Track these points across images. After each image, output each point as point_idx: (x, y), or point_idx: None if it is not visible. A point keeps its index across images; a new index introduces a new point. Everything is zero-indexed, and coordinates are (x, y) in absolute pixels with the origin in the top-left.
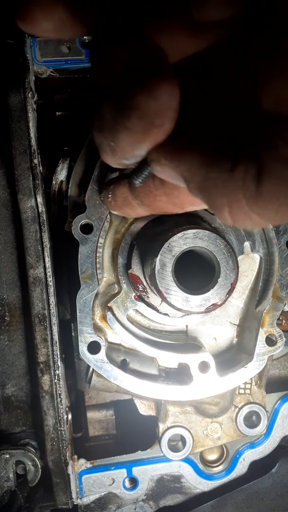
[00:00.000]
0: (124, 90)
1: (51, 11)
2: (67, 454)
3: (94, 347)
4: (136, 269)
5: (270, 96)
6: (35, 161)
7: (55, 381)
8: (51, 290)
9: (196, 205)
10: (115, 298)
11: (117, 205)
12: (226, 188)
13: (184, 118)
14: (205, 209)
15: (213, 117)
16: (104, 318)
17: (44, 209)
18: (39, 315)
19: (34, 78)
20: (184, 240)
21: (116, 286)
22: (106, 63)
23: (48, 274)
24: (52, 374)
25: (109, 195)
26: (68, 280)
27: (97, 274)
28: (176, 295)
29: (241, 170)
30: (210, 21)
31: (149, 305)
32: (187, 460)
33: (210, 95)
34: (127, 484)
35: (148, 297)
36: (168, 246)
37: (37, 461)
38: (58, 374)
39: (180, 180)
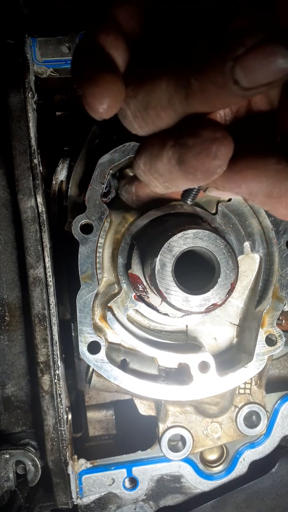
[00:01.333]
0: (183, 152)
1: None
2: (67, 454)
3: (94, 347)
4: (136, 269)
5: None
6: (35, 161)
7: (55, 381)
8: (51, 290)
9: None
10: (115, 298)
11: (142, 201)
12: None
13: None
14: (205, 209)
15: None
16: (104, 318)
17: (44, 209)
18: (39, 315)
19: (34, 78)
20: (184, 240)
21: (116, 286)
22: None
23: (48, 274)
24: (52, 374)
25: (133, 198)
26: (68, 280)
27: (97, 274)
28: (176, 295)
29: None
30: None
31: (149, 305)
32: (187, 460)
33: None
34: (127, 484)
35: (148, 297)
36: (168, 246)
37: (37, 461)
38: (58, 374)
39: (239, 196)
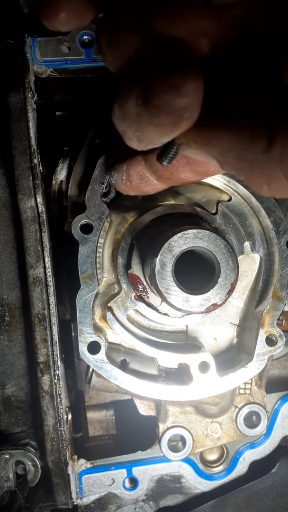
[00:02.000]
0: (148, 86)
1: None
2: (67, 454)
3: (94, 347)
4: (136, 269)
5: None
6: (35, 161)
7: (55, 381)
8: (51, 290)
9: (220, 171)
10: (115, 298)
11: (133, 185)
12: (263, 167)
13: (212, 98)
14: (205, 209)
15: (242, 96)
16: (104, 318)
17: (44, 209)
18: (39, 315)
19: (34, 78)
20: (184, 240)
21: (116, 286)
22: (120, 53)
23: (48, 274)
24: (52, 374)
25: (123, 177)
26: (68, 280)
27: (97, 274)
28: (176, 295)
29: (278, 149)
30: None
31: (149, 305)
32: (187, 460)
33: (238, 74)
34: (127, 484)
35: (148, 297)
36: (168, 246)
37: (37, 461)
38: (58, 374)
39: (211, 160)
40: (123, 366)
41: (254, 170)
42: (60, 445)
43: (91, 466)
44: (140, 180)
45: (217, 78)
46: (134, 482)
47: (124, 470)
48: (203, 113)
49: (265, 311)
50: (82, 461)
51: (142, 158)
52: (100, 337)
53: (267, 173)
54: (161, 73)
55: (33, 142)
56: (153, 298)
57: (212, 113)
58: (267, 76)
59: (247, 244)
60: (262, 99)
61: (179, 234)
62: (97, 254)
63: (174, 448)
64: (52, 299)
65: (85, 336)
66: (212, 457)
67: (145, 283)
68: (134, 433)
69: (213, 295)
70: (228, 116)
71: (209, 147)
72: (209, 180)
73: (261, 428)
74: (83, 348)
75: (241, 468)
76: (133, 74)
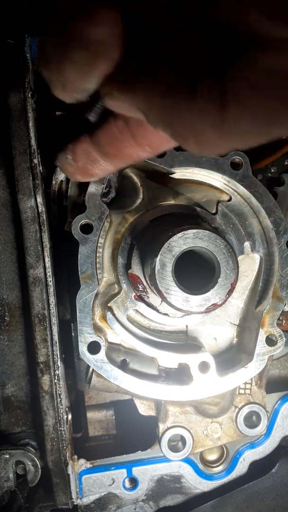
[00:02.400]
0: (64, 19)
1: None
2: (67, 454)
3: (94, 347)
4: (136, 269)
5: (227, 10)
6: (35, 161)
7: (55, 381)
8: (51, 290)
9: (167, 143)
10: (115, 298)
11: (80, 166)
12: (188, 117)
13: (134, 45)
14: (205, 209)
15: (165, 41)
16: (104, 318)
17: (44, 209)
18: (39, 315)
19: (34, 78)
20: (184, 240)
21: (116, 286)
22: None
23: (48, 274)
24: (52, 374)
25: (68, 157)
26: (68, 280)
27: (97, 274)
28: (176, 295)
29: (202, 97)
30: None
31: (149, 305)
32: (187, 460)
33: (160, 16)
34: (127, 484)
35: (148, 297)
36: (168, 246)
37: (37, 461)
38: (58, 374)
39: (137, 112)
40: (123, 366)
41: (178, 119)
42: (60, 445)
43: (91, 466)
44: (86, 159)
45: (138, 24)
46: (134, 482)
47: (124, 470)
48: (125, 61)
49: (265, 311)
50: (82, 461)
51: (89, 136)
52: (100, 337)
53: (192, 123)
54: (76, 5)
55: (33, 142)
56: (153, 298)
57: (134, 61)
58: (196, 19)
59: (247, 244)
60: (190, 43)
61: (179, 234)
62: (97, 254)
63: (174, 448)
64: (52, 299)
65: (85, 336)
66: (212, 457)
67: (145, 283)
68: (134, 433)
69: (213, 295)
70: (150, 63)
71: (132, 95)
72: (209, 180)
73: (261, 428)
74: (83, 348)
75: (241, 468)
76: (52, 11)
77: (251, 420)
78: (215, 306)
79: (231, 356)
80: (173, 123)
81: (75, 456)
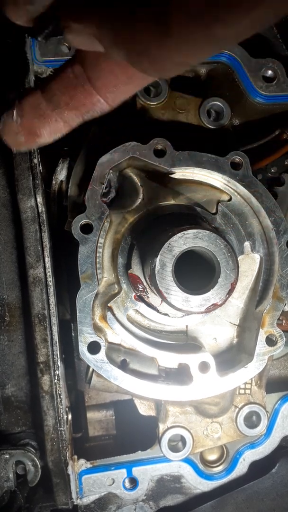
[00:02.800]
0: None
1: None
2: (67, 454)
3: (94, 347)
4: (136, 269)
5: None
6: (35, 161)
7: (55, 381)
8: (51, 290)
9: (122, 85)
10: (115, 298)
11: (25, 123)
12: (134, 34)
13: None
14: (205, 209)
15: None
16: (104, 318)
17: (44, 209)
18: (39, 315)
19: (34, 78)
20: (184, 240)
21: (116, 286)
22: None
23: (48, 274)
24: (52, 374)
25: (14, 113)
26: (68, 280)
27: (97, 274)
28: (176, 295)
29: (142, 10)
30: None
31: (149, 305)
32: (187, 460)
33: None
34: (127, 484)
35: (148, 297)
36: (168, 246)
37: (37, 461)
38: (58, 374)
39: (94, 42)
40: (123, 366)
41: (128, 38)
42: (60, 445)
43: (91, 466)
44: (33, 114)
45: None
46: (134, 482)
47: (124, 470)
48: None
49: (265, 311)
50: (82, 461)
51: (39, 89)
52: (100, 337)
53: (140, 40)
54: None
55: None
56: (153, 298)
57: None
58: None
59: (247, 244)
60: None
61: (179, 234)
62: (97, 254)
63: (174, 448)
64: (52, 299)
65: (85, 336)
66: (212, 457)
67: (145, 283)
68: (134, 433)
69: (213, 295)
70: None
71: (87, 23)
72: (209, 180)
73: (261, 428)
74: (83, 348)
75: (241, 468)
76: None
77: (251, 420)
78: (215, 306)
79: (231, 356)
80: (124, 44)
81: (75, 456)
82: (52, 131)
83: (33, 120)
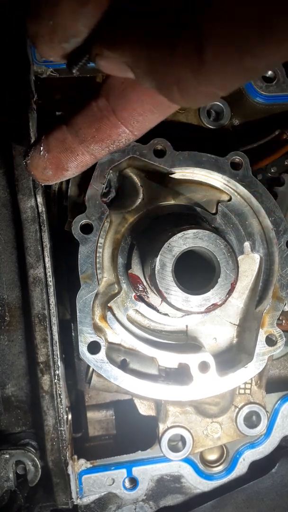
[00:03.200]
0: None
1: None
2: (67, 454)
3: (94, 347)
4: (136, 269)
5: None
6: None
7: (55, 381)
8: (51, 290)
9: (149, 114)
10: (115, 298)
11: (52, 158)
12: (170, 66)
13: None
14: (205, 209)
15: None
16: (104, 318)
17: (44, 209)
18: (39, 315)
19: (34, 78)
20: (184, 240)
21: (116, 286)
22: None
23: (48, 274)
24: (52, 374)
25: (41, 149)
26: (68, 280)
27: (97, 274)
28: (176, 295)
29: (181, 43)
30: None
31: (149, 305)
32: (187, 460)
33: None
34: (127, 484)
35: (148, 297)
36: (168, 246)
37: (37, 461)
38: (58, 374)
39: (126, 69)
40: (123, 366)
41: (162, 68)
42: (60, 445)
43: (91, 466)
44: (60, 149)
45: None
46: (134, 482)
47: (124, 470)
48: (112, 16)
49: (265, 311)
50: (82, 461)
51: (63, 124)
52: (100, 337)
53: (174, 71)
54: None
55: (32, 142)
56: (153, 298)
57: (121, 15)
58: None
59: (247, 244)
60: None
61: (179, 234)
62: (97, 254)
63: (174, 448)
64: (52, 299)
65: (85, 336)
66: (212, 457)
67: (145, 283)
68: (134, 433)
69: (213, 295)
70: (136, 17)
71: (120, 51)
72: (209, 180)
73: (261, 428)
74: (83, 348)
75: (241, 468)
76: None
77: (251, 420)
78: (215, 306)
79: (231, 356)
80: (158, 74)
81: (75, 456)
82: (79, 164)
83: (60, 154)
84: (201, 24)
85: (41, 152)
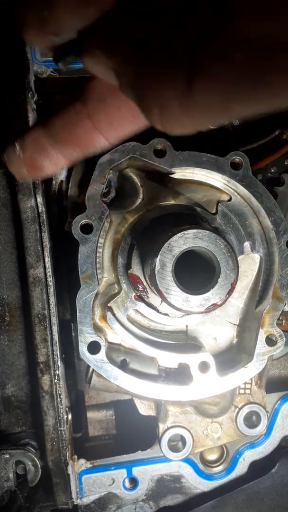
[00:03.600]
0: None
1: None
2: (67, 454)
3: (94, 347)
4: (136, 269)
5: None
6: None
7: (55, 381)
8: (51, 290)
9: (126, 125)
10: (115, 298)
11: (27, 157)
12: (157, 85)
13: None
14: (205, 209)
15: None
16: (104, 318)
17: (44, 209)
18: (39, 315)
19: (34, 78)
20: (184, 240)
21: (116, 286)
22: None
23: (48, 274)
24: (52, 374)
25: (17, 147)
26: (68, 280)
27: (97, 274)
28: (176, 295)
29: (174, 65)
30: None
31: (149, 305)
32: (187, 460)
33: None
34: (127, 484)
35: (148, 297)
36: (168, 246)
37: (37, 461)
38: (58, 374)
39: (112, 75)
40: (123, 366)
41: (148, 84)
42: (60, 445)
43: (91, 466)
44: (35, 149)
45: None
46: (134, 482)
47: (124, 470)
48: (112, 15)
49: (265, 311)
50: (82, 461)
51: (41, 124)
52: (100, 337)
53: (160, 91)
54: None
55: None
56: (153, 298)
57: (121, 16)
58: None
59: (247, 244)
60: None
61: (179, 234)
62: (97, 254)
63: (174, 448)
64: (52, 299)
65: (85, 336)
66: (212, 457)
67: (145, 283)
68: (134, 433)
69: (213, 295)
70: (133, 25)
71: (111, 54)
72: (209, 180)
73: (261, 428)
74: (83, 348)
75: (241, 468)
76: None
77: (251, 420)
78: (215, 306)
79: (231, 356)
80: (142, 89)
81: (75, 456)
82: (53, 164)
83: (33, 155)
84: (196, 56)
85: (17, 151)
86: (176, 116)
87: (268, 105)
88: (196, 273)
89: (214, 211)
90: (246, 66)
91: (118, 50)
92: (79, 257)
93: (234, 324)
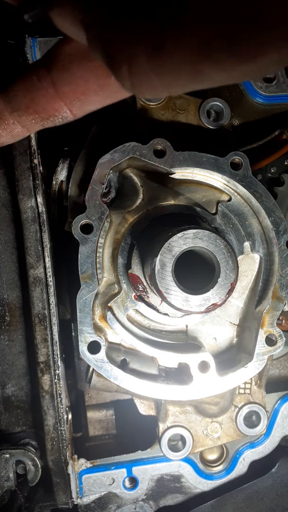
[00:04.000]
0: None
1: None
2: (67, 454)
3: (94, 347)
4: (136, 269)
5: None
6: (35, 161)
7: (55, 381)
8: (51, 290)
9: (91, 95)
10: (115, 298)
11: None
12: (127, 38)
13: None
14: (205, 209)
15: None
16: (104, 318)
17: (44, 209)
18: (39, 315)
19: None
20: (184, 240)
21: (116, 286)
22: None
23: (48, 274)
24: (52, 374)
25: None
26: (68, 280)
27: (97, 274)
28: (176, 295)
29: (147, 20)
30: None
31: (149, 305)
32: (187, 460)
33: None
34: (127, 483)
35: (148, 297)
36: (168, 246)
37: (37, 461)
38: (58, 374)
39: (79, 30)
40: (123, 365)
41: (117, 38)
42: (60, 445)
43: (91, 465)
44: None
45: None
46: (134, 481)
47: (124, 470)
48: None
49: (265, 311)
50: (82, 460)
51: (2, 90)
52: (100, 337)
53: (129, 45)
54: None
55: (33, 142)
56: (153, 298)
57: None
58: None
59: (247, 244)
60: None
61: (179, 234)
62: (97, 254)
63: (174, 448)
64: (52, 299)
65: (85, 336)
66: (212, 456)
67: (145, 283)
68: (134, 433)
69: (213, 295)
70: None
71: (79, 3)
72: (209, 180)
73: (261, 428)
74: (83, 348)
75: (241, 467)
76: None
77: (251, 420)
78: (215, 306)
79: (231, 356)
80: (112, 45)
81: (75, 456)
82: (9, 134)
83: None
84: (171, 13)
85: None
86: (145, 73)
87: (240, 72)
88: (196, 273)
89: (214, 211)
90: (218, 28)
91: (86, 1)
92: (79, 257)
93: (234, 324)
